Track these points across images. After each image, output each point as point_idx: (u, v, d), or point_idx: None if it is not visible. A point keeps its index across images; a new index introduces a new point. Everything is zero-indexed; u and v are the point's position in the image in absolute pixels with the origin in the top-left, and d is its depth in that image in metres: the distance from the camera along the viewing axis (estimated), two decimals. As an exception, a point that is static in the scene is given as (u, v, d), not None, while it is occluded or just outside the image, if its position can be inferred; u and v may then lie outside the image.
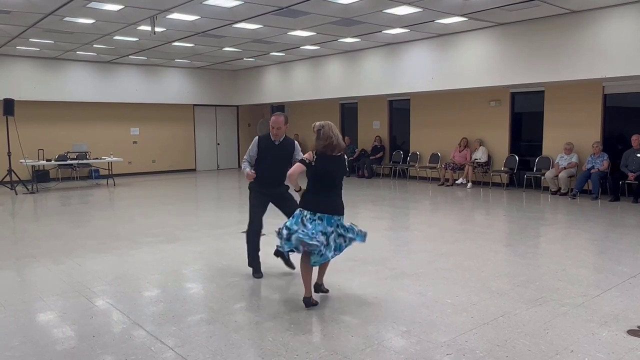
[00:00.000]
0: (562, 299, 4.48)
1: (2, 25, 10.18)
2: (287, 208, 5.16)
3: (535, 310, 4.21)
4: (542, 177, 11.35)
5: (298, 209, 4.39)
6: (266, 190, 5.24)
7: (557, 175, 10.91)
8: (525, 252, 6.27)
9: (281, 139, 5.23)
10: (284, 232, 4.34)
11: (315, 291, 4.56)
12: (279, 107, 18.71)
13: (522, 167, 12.05)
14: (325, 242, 4.24)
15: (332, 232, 4.31)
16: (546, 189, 11.37)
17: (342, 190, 4.47)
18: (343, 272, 5.40)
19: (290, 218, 4.43)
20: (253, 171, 5.17)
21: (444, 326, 3.91)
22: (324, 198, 4.31)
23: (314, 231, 4.21)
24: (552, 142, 11.45)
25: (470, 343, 3.60)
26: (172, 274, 5.48)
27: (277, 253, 5.18)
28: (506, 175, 12.13)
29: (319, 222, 4.25)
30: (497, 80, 10.97)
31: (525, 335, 3.73)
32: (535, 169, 11.69)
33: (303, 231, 4.21)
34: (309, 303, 4.35)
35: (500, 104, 12.33)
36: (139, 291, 4.94)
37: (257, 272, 5.30)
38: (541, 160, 11.63)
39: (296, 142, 5.38)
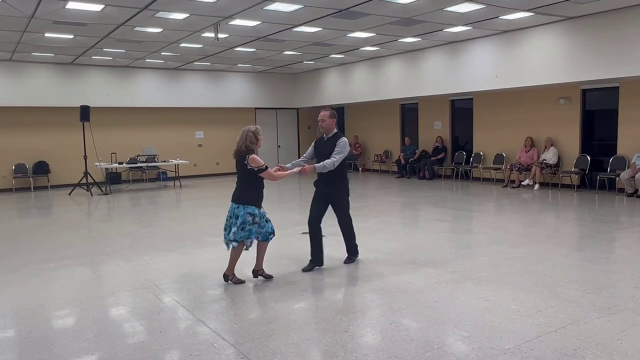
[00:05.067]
0: (638, 308, 4.20)
1: (79, 37, 10.86)
2: (337, 212, 5.45)
3: (608, 319, 3.98)
4: (617, 178, 10.72)
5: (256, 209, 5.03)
6: (320, 188, 5.39)
7: (633, 176, 10.26)
8: (598, 258, 5.94)
9: (329, 135, 5.33)
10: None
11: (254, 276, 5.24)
12: (338, 109, 18.79)
13: (595, 168, 11.42)
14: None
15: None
16: (621, 190, 10.73)
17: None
18: (403, 274, 5.35)
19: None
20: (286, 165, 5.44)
21: (507, 332, 3.77)
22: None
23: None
24: (628, 140, 10.77)
25: (535, 351, 3.45)
26: (235, 273, 5.61)
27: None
28: (577, 176, 11.55)
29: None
30: (566, 76, 10.47)
31: (596, 345, 3.54)
32: (609, 169, 11.05)
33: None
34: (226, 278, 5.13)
35: (570, 101, 11.75)
36: (202, 289, 5.11)
37: (308, 265, 5.54)
38: (616, 160, 10.97)
39: (343, 139, 5.32)
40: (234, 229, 4.92)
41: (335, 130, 5.39)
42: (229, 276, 5.14)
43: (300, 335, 3.85)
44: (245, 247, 5.05)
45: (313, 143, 5.56)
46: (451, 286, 4.93)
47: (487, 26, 10.73)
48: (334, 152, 5.25)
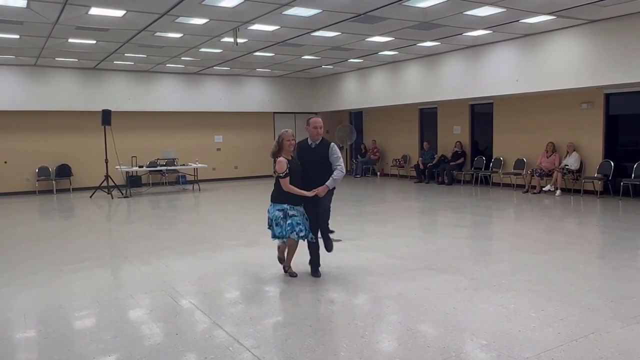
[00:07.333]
0: (663, 318, 4.09)
1: (102, 42, 11.04)
2: (319, 210, 5.32)
3: (632, 329, 3.88)
4: (641, 185, 10.48)
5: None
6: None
7: (658, 183, 10.02)
8: (621, 266, 5.80)
9: (317, 142, 5.33)
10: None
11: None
12: (357, 113, 18.77)
13: (618, 174, 11.18)
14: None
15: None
16: (646, 197, 10.49)
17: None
18: (420, 280, 5.29)
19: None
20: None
21: (527, 341, 3.70)
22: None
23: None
24: (653, 146, 10.54)
25: (556, 360, 3.38)
26: (251, 277, 5.63)
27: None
28: (600, 182, 11.33)
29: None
30: (588, 80, 10.29)
31: (619, 355, 3.44)
32: (633, 175, 10.81)
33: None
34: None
35: (593, 106, 11.54)
36: (219, 292, 5.13)
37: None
38: (640, 166, 10.74)
39: (332, 144, 5.36)
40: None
41: (322, 137, 5.39)
42: (286, 267, 5.56)
43: (315, 340, 3.83)
44: (294, 240, 5.30)
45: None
46: (469, 293, 4.86)
47: (507, 30, 10.62)
48: (335, 161, 5.25)
